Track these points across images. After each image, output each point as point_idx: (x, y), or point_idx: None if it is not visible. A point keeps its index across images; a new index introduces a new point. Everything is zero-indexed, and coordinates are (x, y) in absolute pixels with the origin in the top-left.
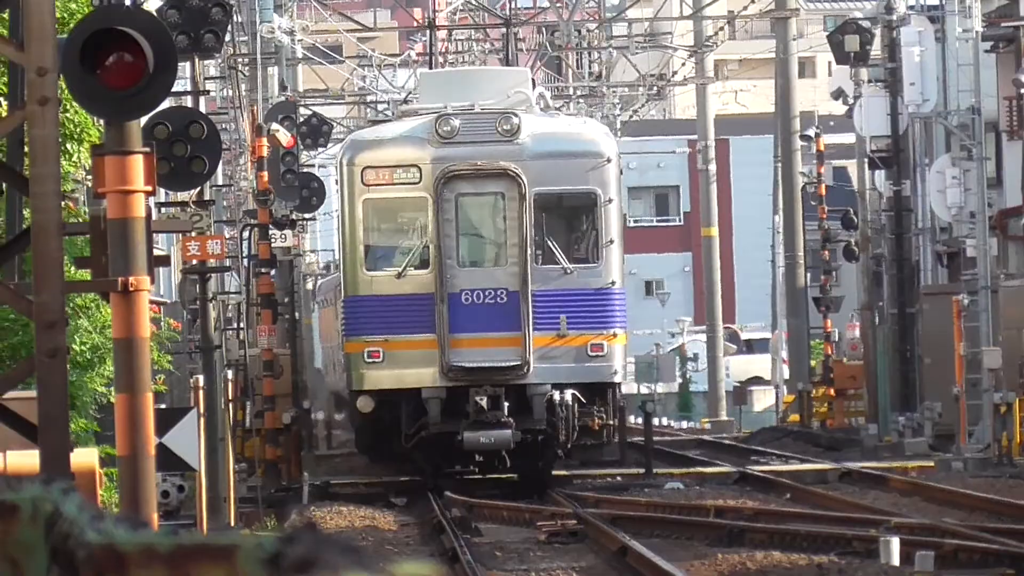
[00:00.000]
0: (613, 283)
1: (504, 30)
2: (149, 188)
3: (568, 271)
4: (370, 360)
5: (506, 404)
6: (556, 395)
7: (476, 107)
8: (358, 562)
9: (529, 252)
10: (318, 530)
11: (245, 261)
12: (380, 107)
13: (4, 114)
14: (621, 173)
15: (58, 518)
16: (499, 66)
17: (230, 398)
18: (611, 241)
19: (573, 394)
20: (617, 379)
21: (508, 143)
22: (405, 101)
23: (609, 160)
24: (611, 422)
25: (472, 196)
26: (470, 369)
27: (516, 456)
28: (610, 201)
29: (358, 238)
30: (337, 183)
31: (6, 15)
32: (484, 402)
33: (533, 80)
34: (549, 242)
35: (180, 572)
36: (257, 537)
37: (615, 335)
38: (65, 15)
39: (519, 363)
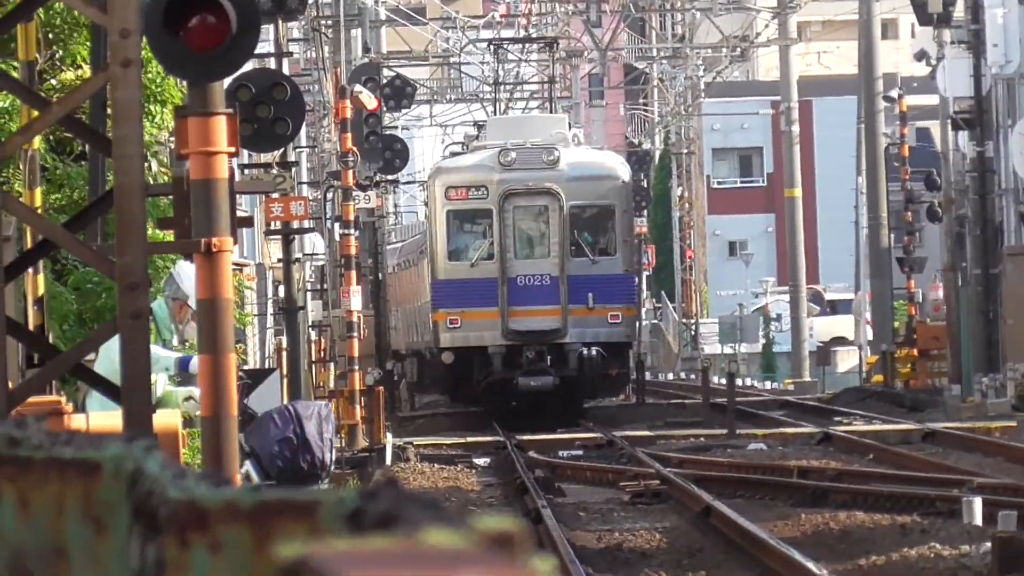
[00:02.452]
0: (627, 271)
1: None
2: (232, 149)
3: (594, 261)
4: (451, 326)
5: (548, 358)
6: (585, 351)
7: (527, 143)
8: (439, 517)
9: (566, 248)
10: (400, 486)
11: (328, 223)
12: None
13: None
14: (632, 190)
15: (140, 476)
16: (545, 113)
17: (313, 359)
18: (625, 240)
19: (598, 350)
20: (630, 340)
21: (551, 169)
22: (476, 138)
23: (624, 182)
24: (625, 371)
25: (525, 208)
26: (523, 332)
27: (556, 395)
28: (624, 212)
29: (442, 237)
30: (426, 197)
31: None
32: (533, 356)
33: (569, 123)
34: (580, 241)
35: (262, 528)
36: (339, 493)
37: (629, 308)
38: None
39: (559, 328)
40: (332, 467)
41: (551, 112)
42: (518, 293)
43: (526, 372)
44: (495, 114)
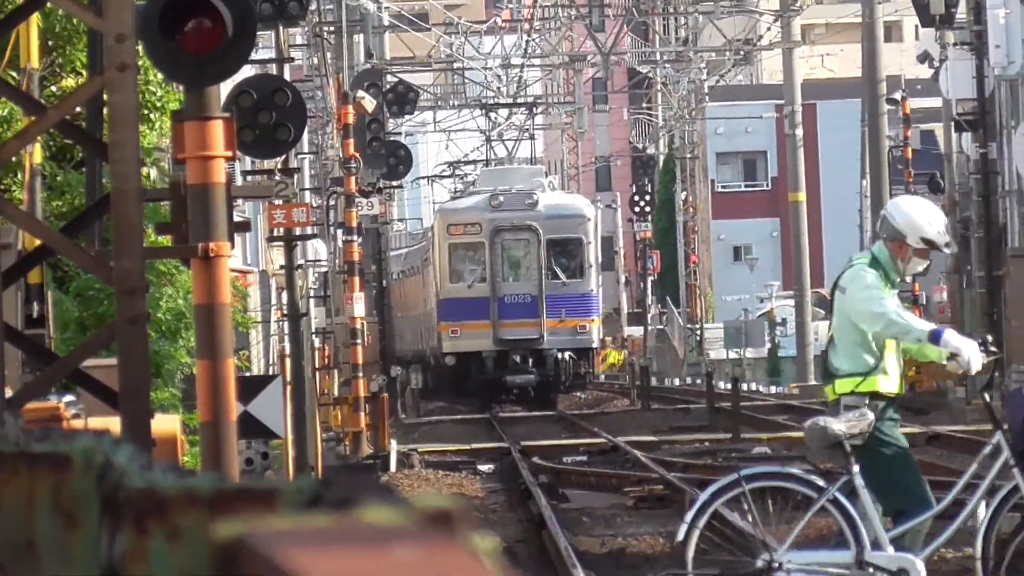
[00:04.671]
0: (591, 290)
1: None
2: (229, 153)
3: (565, 283)
4: (452, 335)
5: (530, 360)
6: (559, 355)
7: (512, 189)
8: (387, 499)
9: (543, 273)
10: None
11: (332, 229)
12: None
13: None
14: (596, 227)
15: (109, 468)
16: (526, 164)
17: (317, 366)
18: (590, 266)
19: (569, 355)
20: (595, 346)
21: (531, 210)
22: (472, 184)
23: (589, 219)
24: (589, 370)
25: (511, 241)
26: (510, 340)
27: (536, 390)
28: (589, 243)
29: (446, 265)
30: (433, 232)
31: None
32: (518, 359)
33: (545, 172)
34: (555, 267)
35: (221, 515)
36: (296, 482)
37: (593, 320)
38: None
39: (538, 337)
40: None
41: (532, 163)
42: (506, 309)
43: (513, 372)
44: (487, 164)
